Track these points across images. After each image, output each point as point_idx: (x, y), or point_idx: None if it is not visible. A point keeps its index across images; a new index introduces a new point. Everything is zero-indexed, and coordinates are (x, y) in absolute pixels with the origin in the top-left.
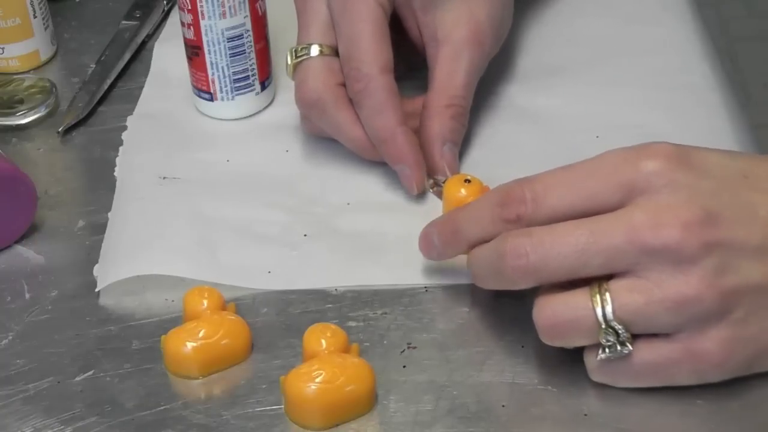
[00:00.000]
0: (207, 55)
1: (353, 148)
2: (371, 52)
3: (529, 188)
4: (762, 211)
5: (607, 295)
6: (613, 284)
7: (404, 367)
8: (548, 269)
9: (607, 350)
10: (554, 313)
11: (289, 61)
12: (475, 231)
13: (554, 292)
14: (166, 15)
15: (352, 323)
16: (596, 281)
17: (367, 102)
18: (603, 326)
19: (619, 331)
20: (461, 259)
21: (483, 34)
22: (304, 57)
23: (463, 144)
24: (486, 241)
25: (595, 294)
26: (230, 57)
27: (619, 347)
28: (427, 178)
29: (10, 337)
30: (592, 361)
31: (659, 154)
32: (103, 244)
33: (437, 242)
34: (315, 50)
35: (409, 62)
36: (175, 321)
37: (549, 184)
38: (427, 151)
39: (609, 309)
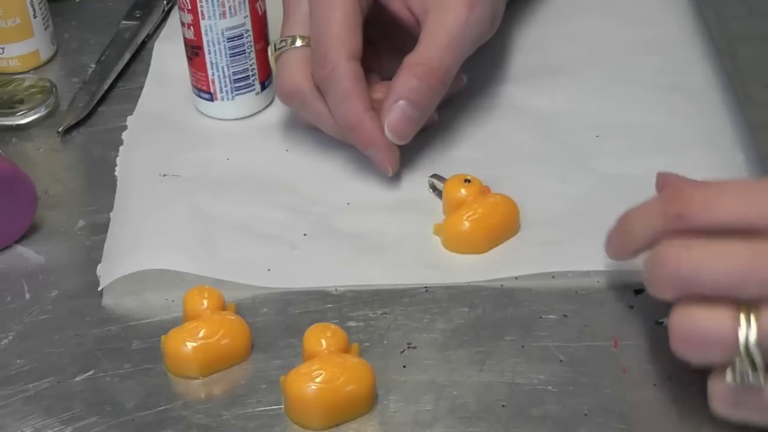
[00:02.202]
0: (207, 55)
1: (337, 136)
2: (339, 38)
3: (701, 191)
4: None
5: (753, 319)
6: (765, 310)
7: (404, 367)
8: (698, 284)
9: (738, 376)
10: (694, 325)
11: (270, 55)
12: (639, 225)
13: (695, 303)
14: (166, 15)
15: (352, 323)
16: (745, 303)
17: (333, 89)
18: (742, 349)
19: (756, 360)
20: (461, 259)
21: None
22: (284, 49)
23: (463, 144)
24: (650, 238)
25: (742, 315)
26: (230, 57)
27: (751, 376)
28: (428, 178)
29: (10, 337)
30: (717, 388)
31: None
32: (105, 244)
33: (612, 239)
34: (294, 42)
35: None
36: (175, 321)
37: (723, 191)
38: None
39: (753, 334)
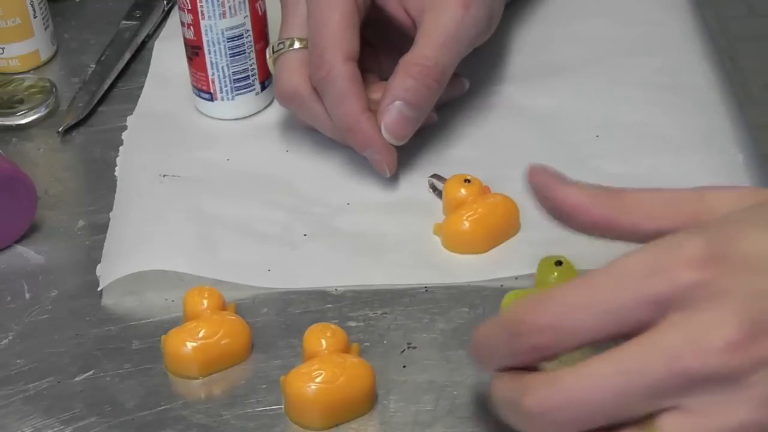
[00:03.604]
0: (207, 55)
1: (335, 137)
2: (336, 39)
3: (544, 312)
4: None
5: None
6: (662, 422)
7: (404, 367)
8: (582, 421)
9: None
10: None
11: (268, 57)
12: (495, 362)
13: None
14: (166, 15)
15: (352, 323)
16: (641, 421)
17: (329, 90)
18: None
19: None
20: (461, 259)
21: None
22: (282, 51)
23: (463, 144)
24: (508, 365)
25: None
26: (230, 57)
27: None
28: (427, 178)
29: (10, 337)
30: None
31: (694, 259)
32: (105, 244)
33: (473, 355)
34: (293, 44)
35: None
36: (175, 321)
37: (568, 305)
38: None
39: None
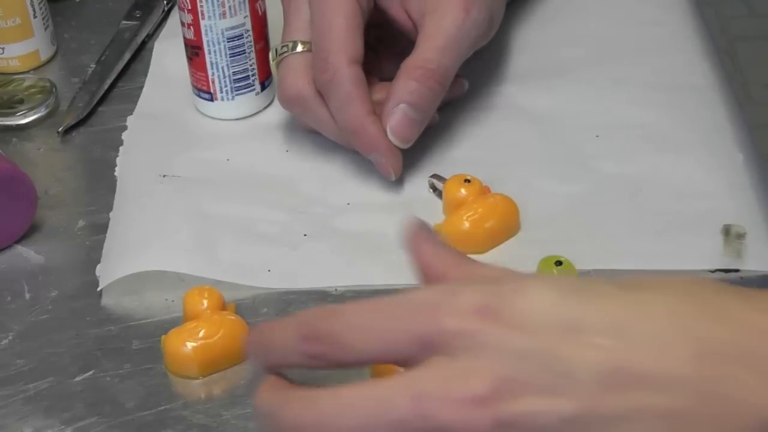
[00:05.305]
0: (207, 55)
1: (339, 141)
2: (340, 42)
3: (329, 327)
4: (582, 374)
5: None
6: None
7: None
8: None
9: None
10: None
11: (272, 60)
12: (278, 355)
13: None
14: (166, 15)
15: None
16: None
17: (334, 93)
18: None
19: None
20: None
21: (471, 2)
22: (285, 54)
23: (463, 144)
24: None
25: None
26: (230, 57)
27: None
28: (428, 178)
29: (10, 337)
30: None
31: (465, 308)
32: (104, 244)
33: (251, 346)
34: (296, 47)
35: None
36: (175, 321)
37: (349, 324)
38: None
39: None
